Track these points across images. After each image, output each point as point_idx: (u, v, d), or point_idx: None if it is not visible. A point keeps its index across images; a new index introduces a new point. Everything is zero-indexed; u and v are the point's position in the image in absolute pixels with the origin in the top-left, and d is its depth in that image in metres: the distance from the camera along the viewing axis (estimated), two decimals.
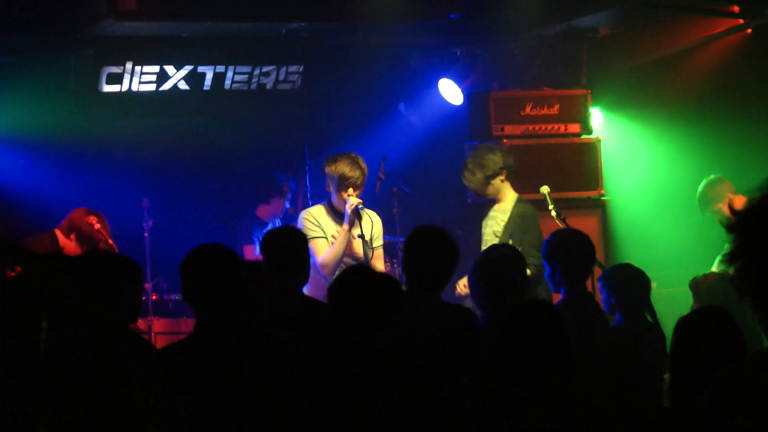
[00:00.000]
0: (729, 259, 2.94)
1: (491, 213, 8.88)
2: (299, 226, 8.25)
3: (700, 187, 9.73)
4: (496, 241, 8.53)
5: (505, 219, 8.72)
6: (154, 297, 9.59)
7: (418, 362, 4.72)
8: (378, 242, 8.43)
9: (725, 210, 9.23)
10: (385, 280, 4.84)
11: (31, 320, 4.70)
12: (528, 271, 7.70)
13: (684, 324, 4.53)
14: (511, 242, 8.24)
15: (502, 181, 8.83)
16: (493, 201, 8.91)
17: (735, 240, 2.93)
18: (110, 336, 4.80)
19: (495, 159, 8.79)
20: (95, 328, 4.76)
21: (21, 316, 4.69)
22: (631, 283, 6.55)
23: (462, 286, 8.35)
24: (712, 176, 9.76)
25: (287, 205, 10.44)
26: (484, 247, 8.34)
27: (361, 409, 4.55)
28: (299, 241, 6.57)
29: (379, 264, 8.29)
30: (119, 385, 4.41)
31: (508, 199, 8.85)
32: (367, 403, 4.55)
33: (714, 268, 9.48)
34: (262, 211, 10.52)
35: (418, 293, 6.05)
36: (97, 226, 8.74)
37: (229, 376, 5.01)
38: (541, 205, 8.90)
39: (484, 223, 8.89)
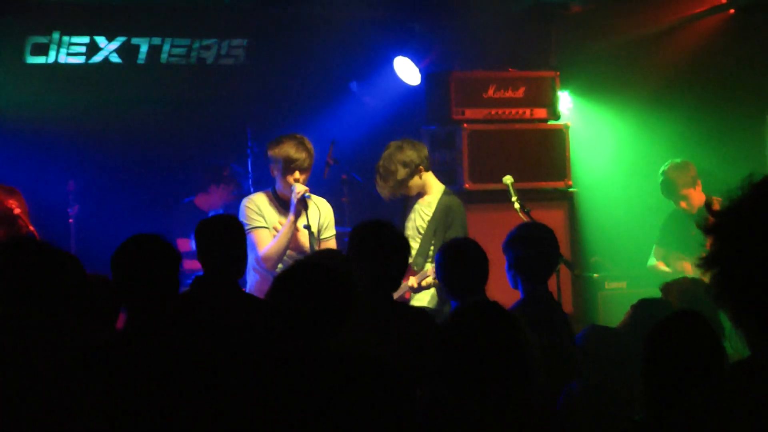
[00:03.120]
0: (705, 263, 2.80)
1: (415, 206, 8.58)
2: (240, 214, 8.12)
3: (665, 170, 9.62)
4: (418, 237, 8.38)
5: (430, 213, 8.47)
6: None
7: (374, 368, 4.51)
8: (329, 232, 8.29)
9: (693, 195, 9.36)
10: (336, 278, 4.62)
11: None
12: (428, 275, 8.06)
13: (658, 330, 4.42)
14: (433, 240, 8.18)
15: (419, 177, 8.50)
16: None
17: (713, 244, 2.80)
18: (30, 332, 4.76)
19: (410, 155, 8.46)
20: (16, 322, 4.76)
21: None
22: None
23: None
24: (678, 160, 9.67)
25: (233, 193, 10.26)
26: None
27: (306, 417, 4.35)
28: (234, 231, 6.26)
29: None
30: (40, 380, 4.58)
31: (434, 191, 8.58)
32: (315, 410, 4.35)
33: (656, 260, 9.70)
34: (201, 200, 10.36)
35: (371, 293, 5.82)
36: (17, 211, 8.06)
37: (159, 378, 4.76)
38: (503, 196, 8.64)
39: (408, 218, 8.59)
